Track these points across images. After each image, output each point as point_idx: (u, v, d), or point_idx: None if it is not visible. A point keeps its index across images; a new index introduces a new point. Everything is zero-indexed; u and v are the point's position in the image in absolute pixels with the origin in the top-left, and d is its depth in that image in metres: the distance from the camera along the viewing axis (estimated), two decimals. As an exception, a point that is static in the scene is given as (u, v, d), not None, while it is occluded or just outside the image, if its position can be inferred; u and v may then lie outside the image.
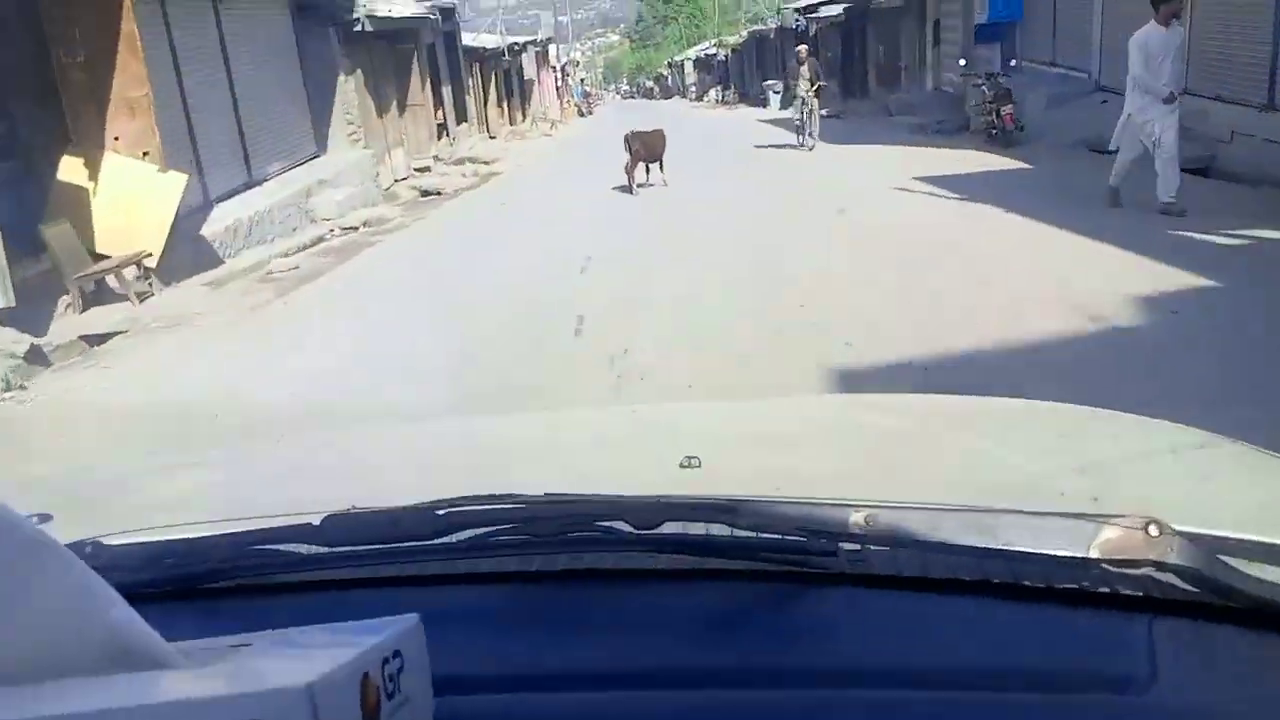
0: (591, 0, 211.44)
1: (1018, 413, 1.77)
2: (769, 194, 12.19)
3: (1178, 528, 0.82)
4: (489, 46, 30.24)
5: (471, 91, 29.02)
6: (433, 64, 24.60)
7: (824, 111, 27.73)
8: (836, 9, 29.02)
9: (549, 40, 42.20)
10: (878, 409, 1.94)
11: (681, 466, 1.17)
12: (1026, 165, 12.13)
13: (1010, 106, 13.64)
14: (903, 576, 0.91)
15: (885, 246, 8.08)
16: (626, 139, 13.19)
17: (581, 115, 47.21)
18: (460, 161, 22.94)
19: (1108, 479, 1.24)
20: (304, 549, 0.95)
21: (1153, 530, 0.80)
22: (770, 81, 34.55)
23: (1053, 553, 0.83)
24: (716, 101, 43.44)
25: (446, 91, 25.30)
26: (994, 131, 14.17)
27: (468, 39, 29.10)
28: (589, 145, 25.11)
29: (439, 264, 9.59)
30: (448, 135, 25.15)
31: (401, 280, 8.98)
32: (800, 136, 17.45)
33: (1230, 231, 7.15)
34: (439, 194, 17.70)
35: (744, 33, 47.81)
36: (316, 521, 0.94)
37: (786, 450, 1.47)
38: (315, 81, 16.61)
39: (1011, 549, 0.85)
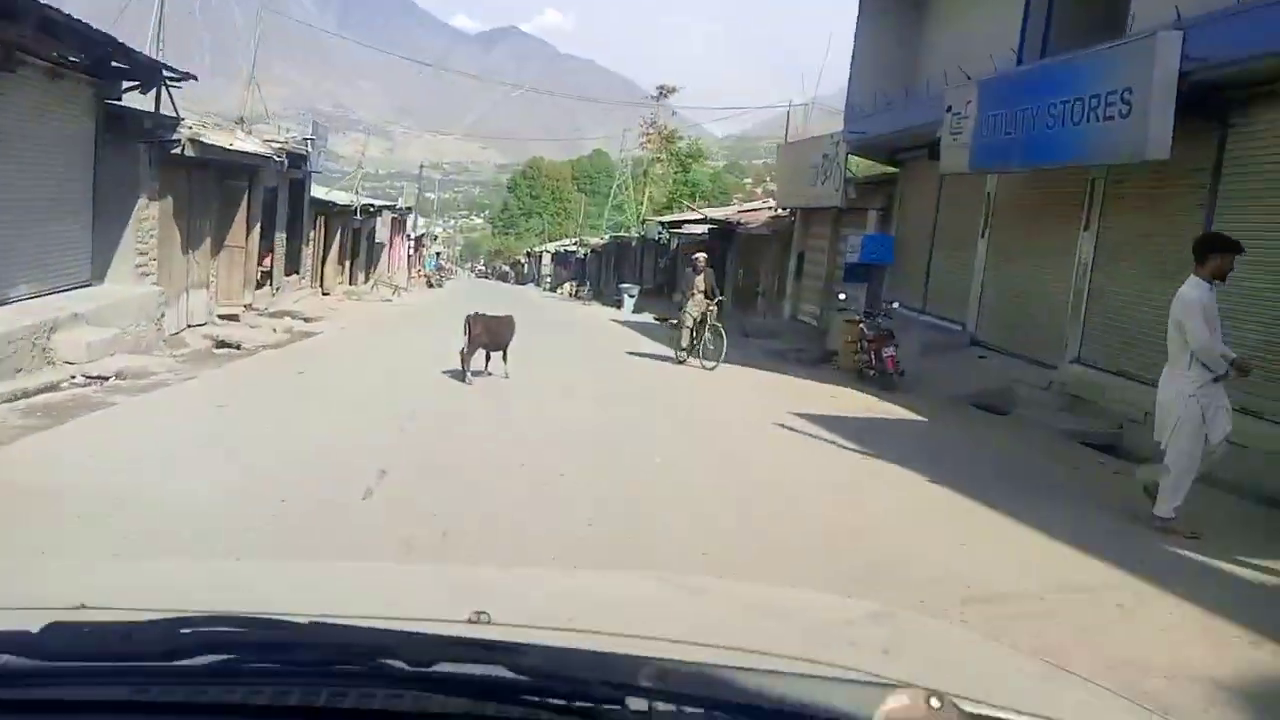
0: (462, 183, 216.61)
1: (819, 603, 1.81)
2: (636, 412, 10.02)
3: (961, 705, 0.84)
4: (340, 202, 27.99)
5: (311, 243, 26.45)
6: (270, 207, 22.02)
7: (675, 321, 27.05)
8: (701, 229, 28.65)
9: (408, 209, 40.49)
10: (688, 587, 1.83)
11: (469, 621, 1.09)
12: (917, 416, 10.56)
13: (893, 349, 12.35)
14: None
15: (793, 518, 5.91)
16: (467, 321, 10.96)
17: (430, 286, 45.15)
18: (278, 315, 20.06)
19: (905, 664, 1.28)
20: (16, 661, 0.82)
21: (934, 702, 0.82)
22: (626, 285, 33.71)
23: (836, 717, 0.83)
24: (570, 295, 42.45)
25: (280, 238, 22.64)
26: (870, 372, 12.78)
27: (318, 191, 26.82)
28: (428, 318, 22.81)
29: (168, 451, 6.72)
30: (271, 284, 22.29)
31: (92, 474, 6.01)
32: (682, 352, 15.15)
33: (1252, 561, 5.35)
34: (237, 348, 14.73)
35: (606, 236, 47.84)
36: (35, 629, 0.82)
37: (587, 613, 1.39)
38: (110, 200, 13.70)
39: (798, 711, 0.85)
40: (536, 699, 0.86)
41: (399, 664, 0.85)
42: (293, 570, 1.88)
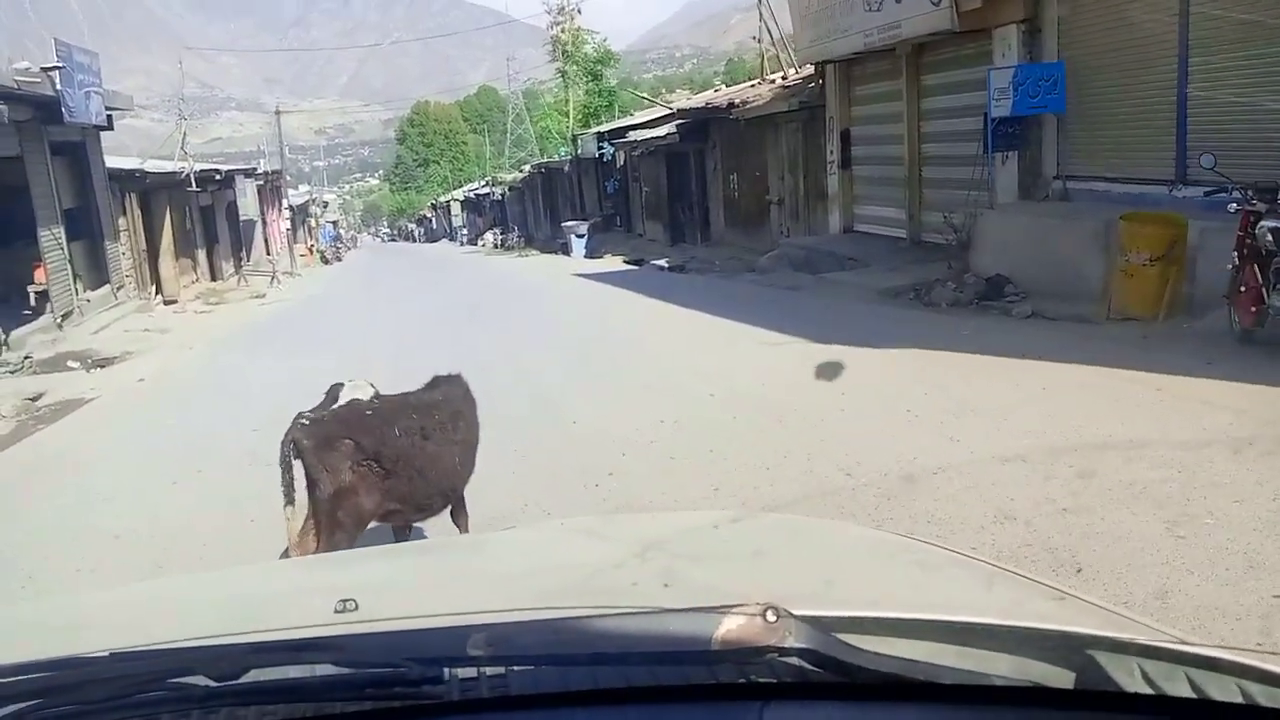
0: (350, 146, 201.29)
1: (697, 523, 1.72)
2: None
3: (797, 611, 0.81)
4: (157, 171, 19.06)
5: (125, 236, 17.68)
6: (13, 192, 13.41)
7: (662, 262, 18.80)
8: (663, 130, 20.44)
9: (276, 173, 31.17)
10: (584, 530, 1.73)
11: (336, 611, 0.99)
12: None
13: None
14: (512, 696, 0.83)
15: None
16: (295, 445, 2.90)
17: (326, 263, 36.18)
18: (56, 362, 11.83)
19: (738, 571, 1.22)
20: None
21: (770, 616, 0.79)
22: (570, 223, 25.49)
23: (674, 649, 0.81)
24: (496, 246, 33.87)
25: (53, 236, 14.02)
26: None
27: (118, 160, 17.93)
28: (308, 320, 14.63)
29: None
30: (52, 310, 13.77)
31: None
32: None
33: None
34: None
35: (526, 168, 38.93)
36: None
37: (447, 585, 1.37)
38: None
39: (632, 650, 0.82)
40: (356, 690, 0.80)
41: (204, 681, 0.79)
42: (149, 592, 1.67)
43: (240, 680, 0.81)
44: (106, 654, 0.86)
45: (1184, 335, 6.38)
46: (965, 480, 4.20)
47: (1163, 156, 8.78)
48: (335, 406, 3.03)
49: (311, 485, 2.91)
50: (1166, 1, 8.56)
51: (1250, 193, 5.81)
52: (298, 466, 2.86)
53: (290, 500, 2.90)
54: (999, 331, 7.69)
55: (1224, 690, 0.79)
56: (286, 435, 2.87)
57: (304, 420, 2.89)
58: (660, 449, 5.16)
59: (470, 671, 0.84)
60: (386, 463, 2.95)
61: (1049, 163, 10.42)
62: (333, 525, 2.84)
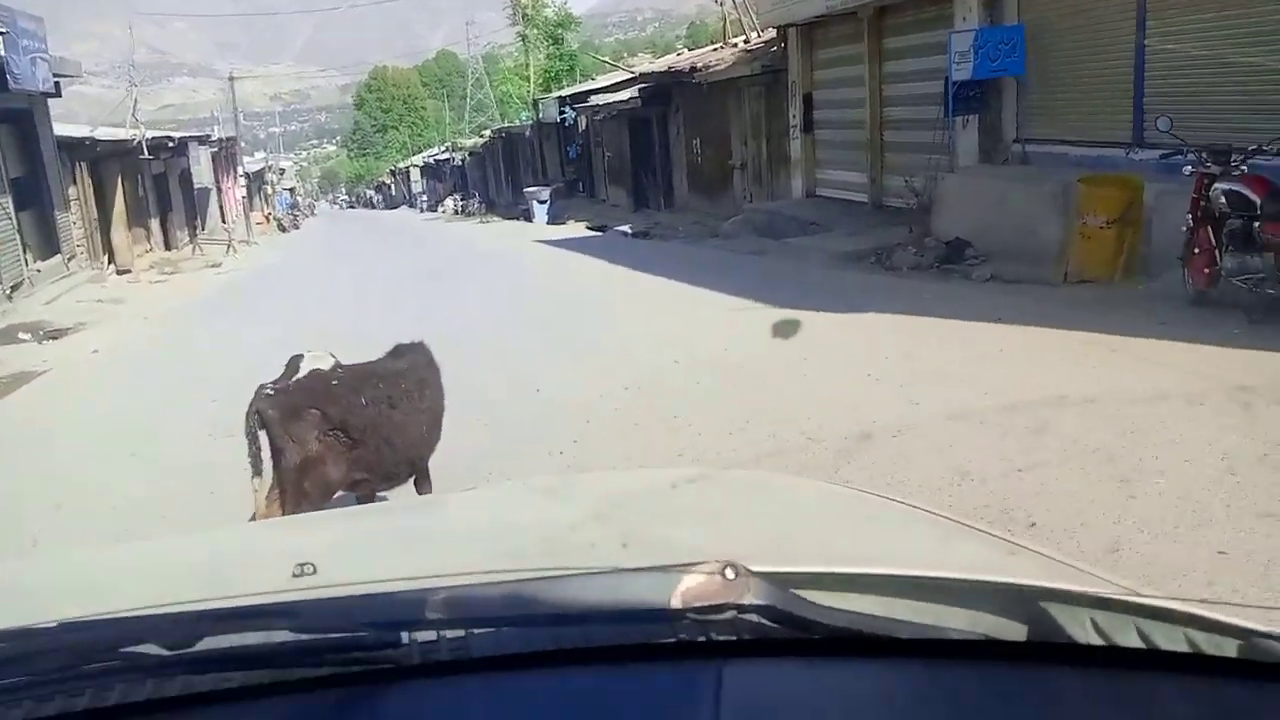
0: (306, 112, 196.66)
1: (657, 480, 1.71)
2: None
3: (755, 568, 0.81)
4: (108, 138, 18.49)
5: (76, 205, 17.16)
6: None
7: (626, 228, 18.78)
8: (625, 94, 20.21)
9: (230, 140, 30.40)
10: (542, 490, 1.68)
11: (294, 575, 0.98)
12: None
13: None
14: (473, 659, 0.83)
15: None
16: (259, 414, 2.86)
17: (283, 230, 35.47)
18: (8, 335, 11.44)
19: (697, 529, 1.23)
20: None
21: (729, 573, 0.79)
22: (532, 189, 25.23)
23: (635, 608, 0.81)
24: (456, 212, 33.45)
25: (-1, 207, 13.58)
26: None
27: (68, 128, 17.37)
28: (266, 286, 14.38)
29: None
30: (0, 282, 13.36)
31: None
32: None
33: None
34: None
35: (487, 133, 38.36)
36: None
37: (407, 547, 1.33)
38: None
39: (593, 610, 0.82)
40: (313, 655, 0.80)
41: (157, 650, 0.78)
42: (103, 559, 1.58)
43: (194, 648, 0.79)
44: (55, 624, 0.84)
45: (1139, 297, 6.50)
46: (924, 441, 4.26)
47: (1120, 119, 8.87)
48: (299, 376, 2.99)
49: (277, 456, 2.88)
50: (1123, -36, 8.61)
51: (1204, 155, 5.91)
52: (263, 437, 2.83)
53: (258, 471, 2.88)
54: (959, 295, 7.77)
55: (1171, 639, 0.81)
56: (251, 406, 2.85)
57: (268, 391, 2.85)
58: (624, 415, 5.17)
59: (430, 634, 0.83)
60: (354, 432, 2.94)
61: (1009, 126, 10.49)
62: (299, 496, 2.82)
